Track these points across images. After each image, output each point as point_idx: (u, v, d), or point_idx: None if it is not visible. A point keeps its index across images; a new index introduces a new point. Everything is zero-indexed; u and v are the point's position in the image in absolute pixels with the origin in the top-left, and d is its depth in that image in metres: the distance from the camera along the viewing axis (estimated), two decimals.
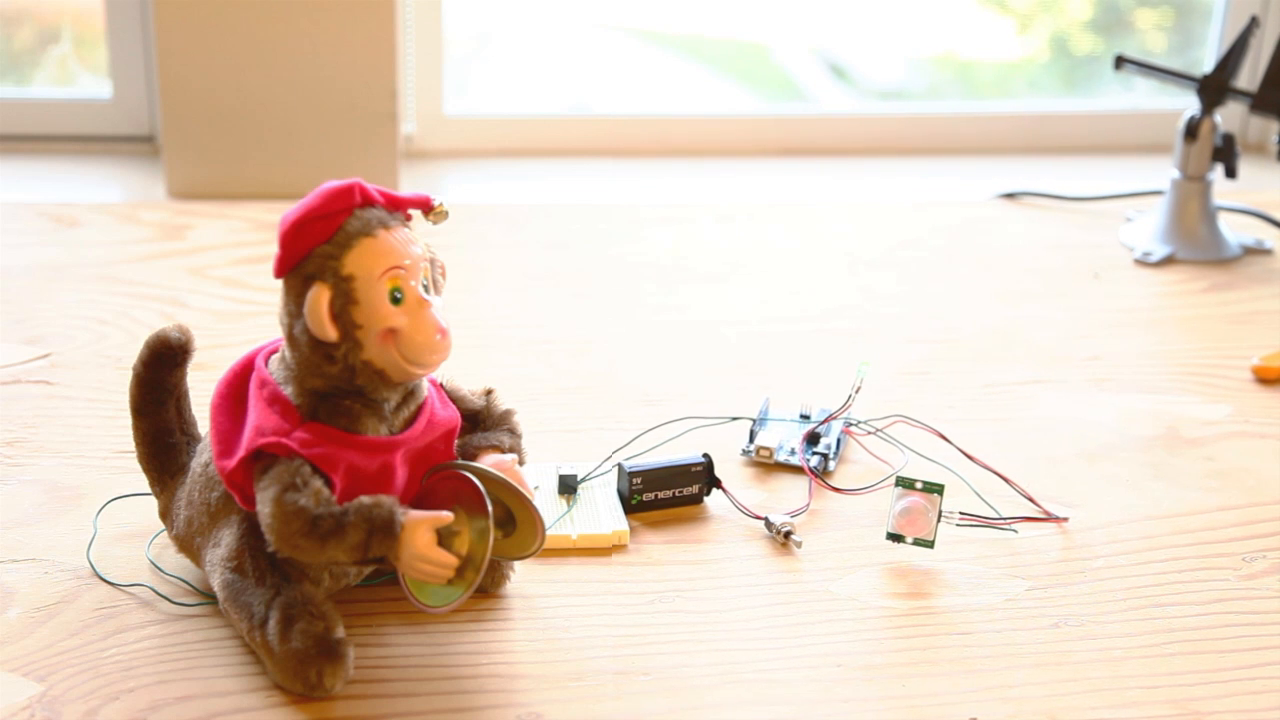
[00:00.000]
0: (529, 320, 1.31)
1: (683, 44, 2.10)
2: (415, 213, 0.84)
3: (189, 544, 0.89)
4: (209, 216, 1.51)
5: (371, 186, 0.82)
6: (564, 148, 1.80)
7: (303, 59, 1.56)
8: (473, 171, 1.73)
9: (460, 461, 0.86)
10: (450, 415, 0.87)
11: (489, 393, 0.91)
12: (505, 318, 1.31)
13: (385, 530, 0.79)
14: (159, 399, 0.91)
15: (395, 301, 0.81)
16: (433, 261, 0.84)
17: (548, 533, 0.96)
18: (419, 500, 0.85)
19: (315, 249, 0.80)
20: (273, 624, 0.82)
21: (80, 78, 1.78)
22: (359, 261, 0.80)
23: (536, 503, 0.85)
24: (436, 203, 0.84)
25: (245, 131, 1.58)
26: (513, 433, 0.89)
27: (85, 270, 1.37)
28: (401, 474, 0.84)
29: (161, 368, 0.91)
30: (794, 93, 2.09)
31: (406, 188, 1.62)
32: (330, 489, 0.81)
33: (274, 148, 1.58)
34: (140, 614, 0.88)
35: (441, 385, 0.89)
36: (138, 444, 0.92)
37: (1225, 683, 0.86)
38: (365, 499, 0.80)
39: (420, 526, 0.80)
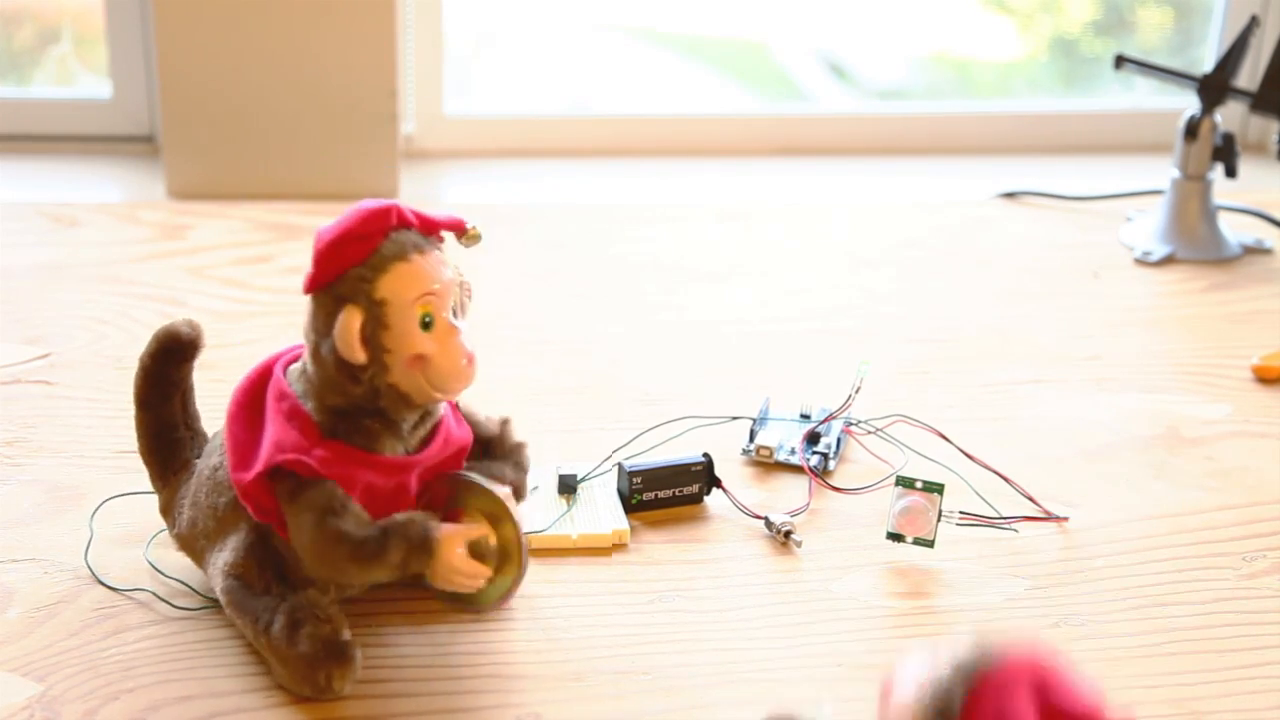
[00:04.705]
0: (528, 320, 1.31)
1: (683, 44, 2.10)
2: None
3: (191, 544, 0.89)
4: (209, 216, 1.51)
5: (408, 208, 0.82)
6: (564, 148, 1.79)
7: (303, 59, 1.56)
8: (473, 171, 1.73)
9: (460, 473, 0.86)
10: (464, 434, 0.87)
11: (505, 421, 0.91)
12: (505, 318, 1.31)
13: (421, 548, 0.80)
14: (165, 393, 0.91)
15: (425, 327, 0.81)
16: (461, 284, 0.84)
17: (548, 532, 0.97)
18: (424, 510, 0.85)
19: (349, 270, 0.80)
20: (279, 628, 0.82)
21: (80, 77, 1.77)
22: (392, 286, 0.80)
23: (523, 531, 0.85)
24: (469, 226, 0.85)
25: (245, 131, 1.58)
26: (519, 467, 0.89)
27: (85, 270, 1.37)
28: (414, 491, 0.85)
29: (169, 362, 0.90)
30: (794, 92, 2.09)
31: (406, 188, 1.62)
32: None
33: (274, 148, 1.58)
34: (140, 614, 0.88)
35: (456, 405, 0.89)
36: (140, 437, 0.92)
37: (1225, 682, 0.86)
38: (399, 517, 0.81)
39: (453, 541, 0.81)
